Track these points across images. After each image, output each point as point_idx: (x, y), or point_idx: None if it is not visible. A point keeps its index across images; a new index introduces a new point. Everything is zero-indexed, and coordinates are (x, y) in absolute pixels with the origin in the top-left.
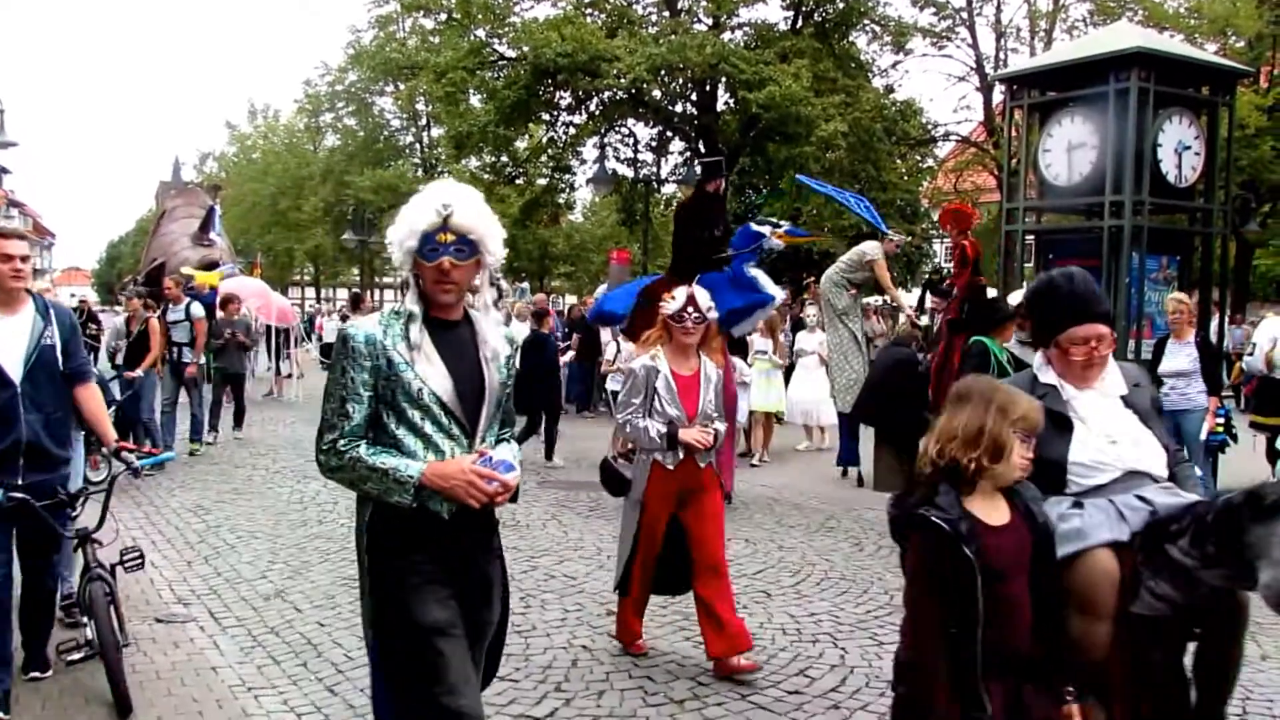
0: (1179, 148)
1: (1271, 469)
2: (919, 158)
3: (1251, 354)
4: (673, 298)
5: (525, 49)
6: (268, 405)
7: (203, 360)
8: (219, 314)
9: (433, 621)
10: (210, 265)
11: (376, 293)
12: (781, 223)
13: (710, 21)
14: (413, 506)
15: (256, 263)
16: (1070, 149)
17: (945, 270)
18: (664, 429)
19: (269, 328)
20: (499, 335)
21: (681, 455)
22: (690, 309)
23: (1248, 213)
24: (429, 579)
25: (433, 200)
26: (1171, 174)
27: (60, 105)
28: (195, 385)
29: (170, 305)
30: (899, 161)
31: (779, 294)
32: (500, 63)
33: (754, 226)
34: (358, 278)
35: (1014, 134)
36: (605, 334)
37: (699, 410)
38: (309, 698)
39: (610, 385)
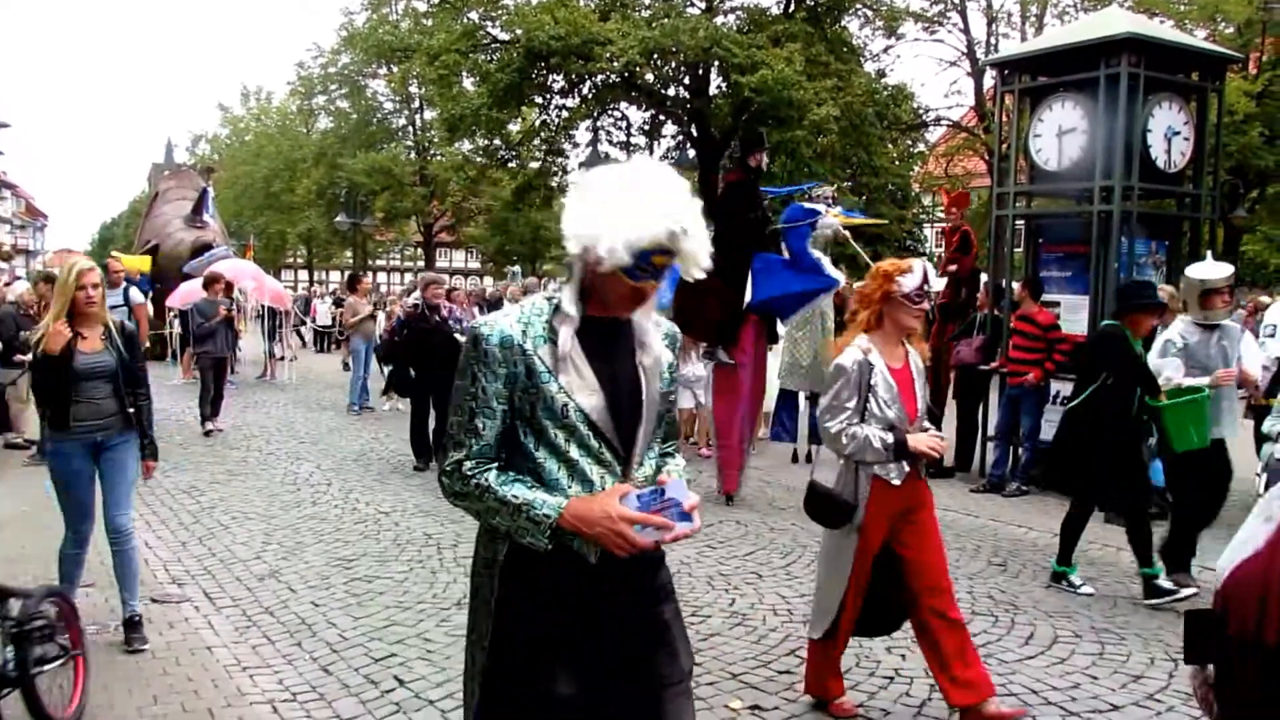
0: (1168, 133)
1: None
2: (910, 142)
3: (1273, 334)
4: (907, 270)
5: (518, 32)
6: (261, 387)
7: (145, 346)
8: (203, 295)
9: (561, 697)
10: (203, 247)
11: (369, 275)
12: (832, 196)
13: (703, 5)
14: (547, 549)
15: (249, 245)
16: (1060, 134)
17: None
18: (889, 437)
19: (264, 310)
20: (659, 337)
21: (907, 467)
22: (926, 285)
23: (1236, 198)
24: (566, 641)
25: (663, 210)
26: (1161, 159)
27: (52, 87)
28: None
29: (108, 289)
30: (890, 146)
31: (841, 278)
32: (493, 45)
33: (806, 205)
34: (350, 260)
35: (1005, 119)
36: None
37: (919, 410)
38: (304, 677)
39: None
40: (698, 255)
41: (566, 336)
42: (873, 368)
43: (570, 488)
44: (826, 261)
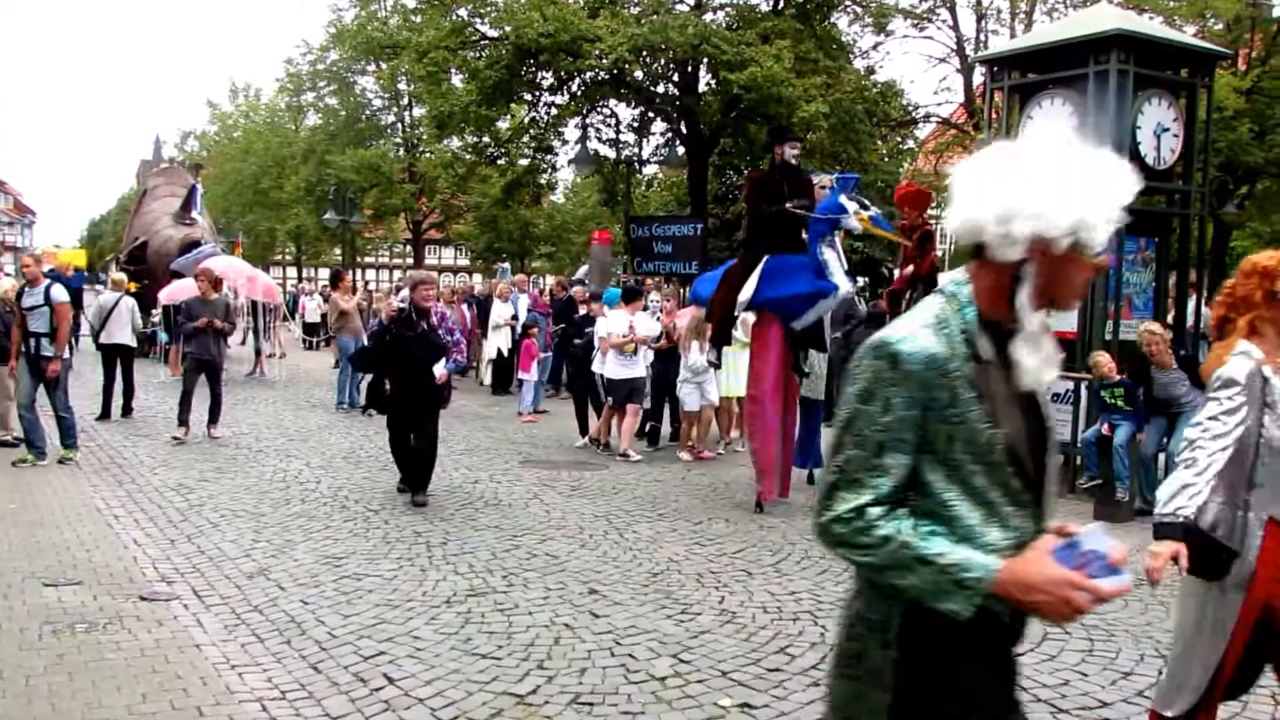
0: (1158, 130)
1: None
2: (900, 139)
3: None
4: None
5: (507, 29)
6: (250, 384)
7: (66, 354)
8: (172, 294)
9: None
10: (192, 244)
11: (358, 273)
12: (874, 209)
13: (692, 2)
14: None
15: (238, 242)
16: None
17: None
18: None
19: (254, 305)
20: (1047, 352)
21: None
22: None
23: (1225, 195)
24: (987, 711)
25: (1122, 168)
26: (1150, 156)
27: (41, 83)
28: (57, 385)
29: (27, 288)
30: (880, 143)
31: (845, 285)
32: (482, 42)
33: (841, 198)
34: (339, 257)
35: (994, 116)
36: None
37: None
38: (293, 675)
39: (596, 367)
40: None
41: (987, 347)
42: (1268, 381)
43: (987, 537)
44: (835, 265)
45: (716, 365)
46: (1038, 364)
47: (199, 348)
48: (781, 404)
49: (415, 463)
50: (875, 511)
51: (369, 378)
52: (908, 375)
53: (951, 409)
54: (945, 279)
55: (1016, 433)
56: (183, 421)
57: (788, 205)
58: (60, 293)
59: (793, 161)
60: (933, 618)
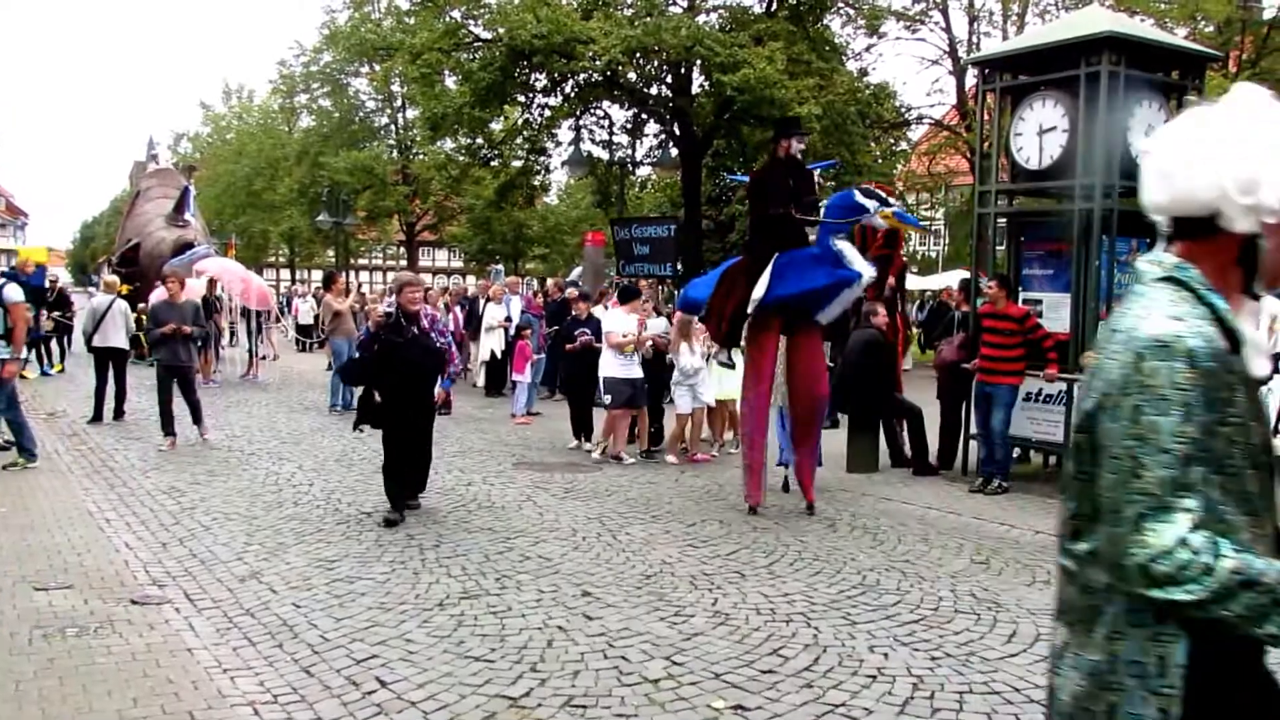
0: (1149, 131)
1: None
2: (893, 141)
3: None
4: None
5: (500, 30)
6: (243, 387)
7: (24, 355)
8: (159, 296)
9: None
10: (185, 246)
11: (352, 274)
12: (893, 201)
13: (685, 4)
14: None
15: (231, 244)
16: (1042, 132)
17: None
18: None
19: (246, 310)
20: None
21: None
22: None
23: None
24: None
25: None
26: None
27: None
28: (2, 387)
29: None
30: (873, 145)
31: (868, 270)
32: (476, 44)
33: (858, 197)
34: (333, 259)
35: (986, 117)
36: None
37: None
38: (285, 679)
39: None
40: None
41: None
42: None
43: (1255, 552)
44: (851, 252)
45: (731, 365)
46: (1259, 348)
47: (168, 354)
48: (767, 406)
49: (411, 466)
50: (1197, 540)
51: (359, 391)
52: (1206, 374)
53: (1232, 408)
54: (1143, 263)
55: (1265, 433)
56: (168, 431)
57: (796, 215)
58: (14, 292)
59: (798, 156)
60: (1219, 650)
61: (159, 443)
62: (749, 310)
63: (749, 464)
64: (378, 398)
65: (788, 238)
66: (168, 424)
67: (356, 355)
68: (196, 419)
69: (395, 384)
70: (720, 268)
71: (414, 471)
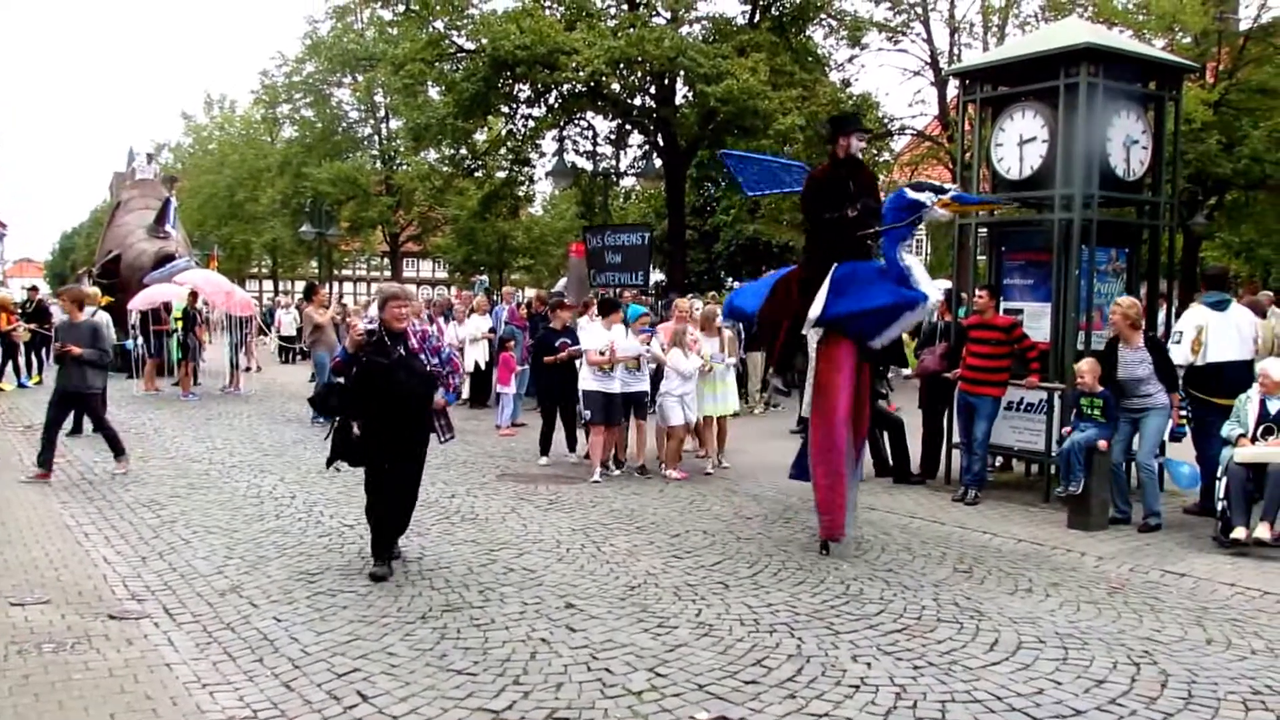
0: (1127, 142)
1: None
2: (875, 151)
3: (1179, 341)
4: None
5: (484, 41)
6: (225, 399)
7: None
8: (56, 316)
9: None
10: (166, 258)
11: (335, 285)
12: (948, 186)
13: (668, 15)
14: None
15: (213, 255)
16: (1021, 143)
17: None
18: None
19: (230, 319)
20: None
21: None
22: None
23: (1195, 206)
24: None
25: None
26: (1120, 168)
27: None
28: None
29: None
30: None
31: (935, 293)
32: (459, 55)
33: (910, 193)
34: (316, 270)
35: (967, 128)
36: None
37: None
38: (265, 694)
39: (583, 385)
40: None
41: None
42: None
43: None
44: (919, 270)
45: (785, 391)
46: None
47: (63, 378)
48: (854, 437)
49: (396, 509)
50: None
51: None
52: None
53: None
54: None
55: None
56: (42, 463)
57: (853, 217)
58: None
59: (859, 155)
60: None
61: (117, 470)
62: (804, 330)
63: (830, 500)
64: (356, 430)
65: (847, 247)
66: (46, 453)
67: (328, 381)
68: (113, 447)
69: (378, 414)
70: (771, 276)
71: (397, 515)
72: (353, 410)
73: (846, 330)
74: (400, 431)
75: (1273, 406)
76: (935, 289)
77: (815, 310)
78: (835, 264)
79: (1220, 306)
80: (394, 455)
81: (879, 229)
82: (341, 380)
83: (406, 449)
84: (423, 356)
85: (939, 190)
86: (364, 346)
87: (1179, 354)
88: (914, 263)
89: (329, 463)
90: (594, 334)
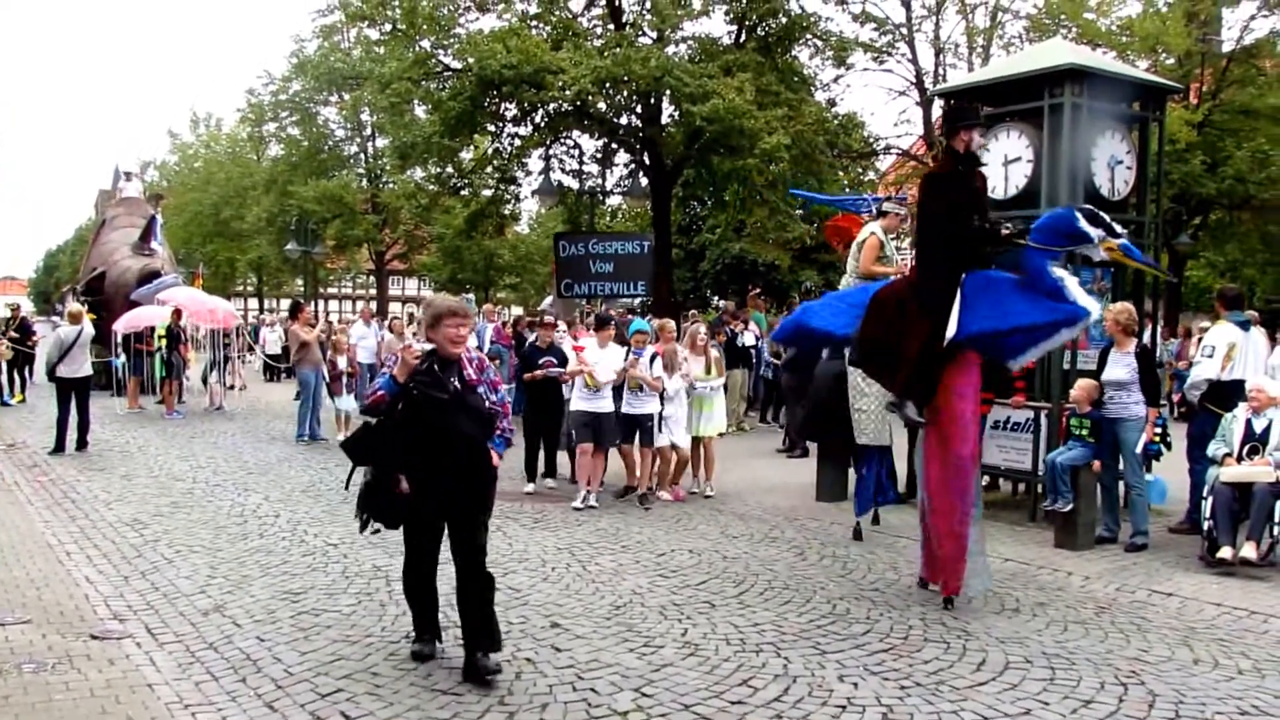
0: (1111, 162)
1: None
2: (861, 170)
3: (1210, 355)
4: None
5: (470, 60)
6: (209, 417)
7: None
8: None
9: None
10: (151, 275)
11: (320, 304)
12: (1120, 229)
13: (655, 35)
14: None
15: (198, 273)
16: (1007, 163)
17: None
18: None
19: (213, 335)
20: None
21: None
22: None
23: (1179, 225)
24: None
25: None
26: (1105, 187)
27: None
28: None
29: None
30: (841, 174)
31: (1096, 307)
32: (445, 74)
33: (1081, 222)
34: (301, 287)
35: None
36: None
37: None
38: (248, 714)
39: (578, 404)
40: None
41: None
42: None
43: None
44: (1073, 284)
45: (921, 422)
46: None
47: None
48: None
49: (463, 601)
50: None
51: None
52: None
53: None
54: None
55: None
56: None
57: (1002, 229)
58: None
59: (980, 154)
60: None
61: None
62: (941, 347)
63: (951, 544)
64: (405, 486)
65: (973, 256)
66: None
67: (365, 422)
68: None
69: (426, 464)
70: (858, 291)
71: (472, 605)
72: (399, 459)
73: (986, 350)
74: (454, 488)
75: (1258, 425)
76: (1095, 304)
77: (951, 330)
78: (964, 275)
79: (1245, 327)
80: (449, 520)
81: (1025, 244)
82: (376, 420)
83: (463, 512)
84: (481, 390)
85: (1111, 231)
86: (417, 374)
87: (1210, 368)
88: (1065, 276)
89: (362, 526)
90: (591, 349)
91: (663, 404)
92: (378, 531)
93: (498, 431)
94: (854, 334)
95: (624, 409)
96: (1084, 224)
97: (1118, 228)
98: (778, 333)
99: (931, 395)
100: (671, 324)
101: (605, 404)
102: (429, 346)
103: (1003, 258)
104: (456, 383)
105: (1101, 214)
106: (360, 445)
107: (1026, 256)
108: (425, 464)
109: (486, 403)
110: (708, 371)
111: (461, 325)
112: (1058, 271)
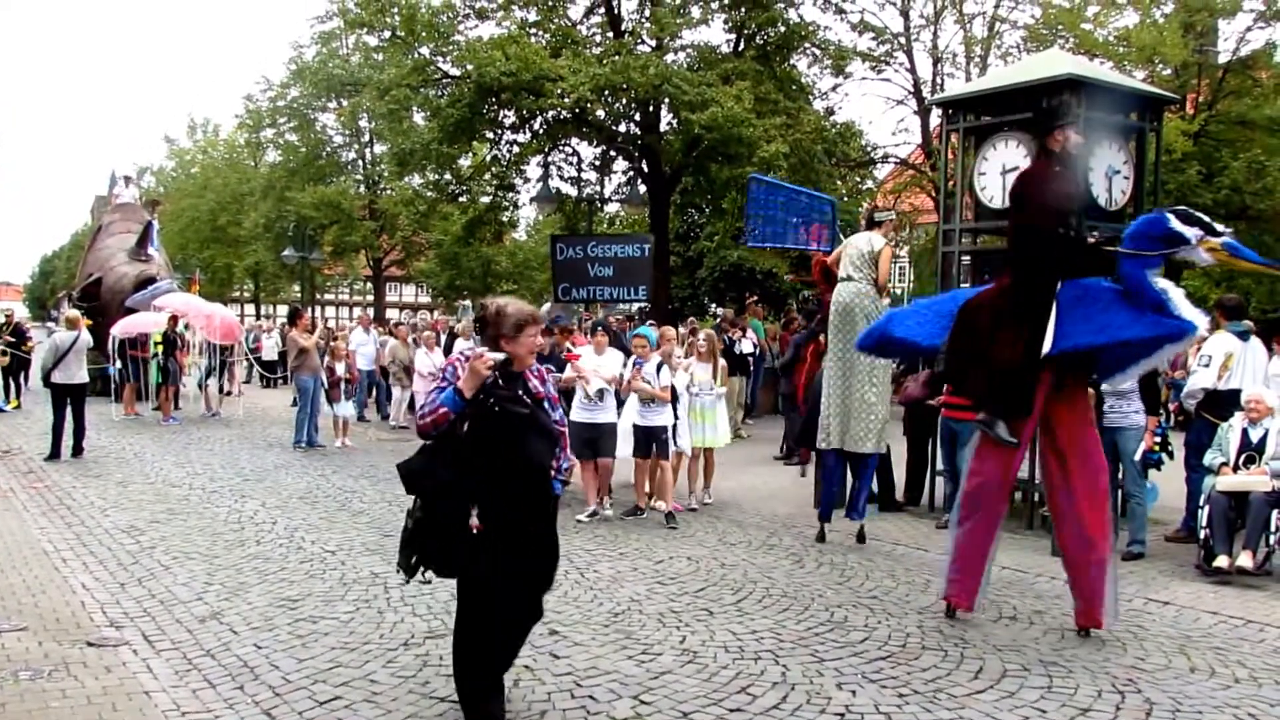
0: (1109, 172)
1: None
2: (859, 179)
3: (1207, 365)
4: None
5: (469, 67)
6: (206, 424)
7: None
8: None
9: None
10: (147, 281)
11: (318, 310)
12: (1221, 227)
13: (653, 43)
14: None
15: (195, 279)
16: (1004, 172)
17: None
18: None
19: (210, 345)
20: None
21: None
22: None
23: None
24: None
25: None
26: (1102, 197)
27: None
28: None
29: None
30: (839, 183)
31: (1202, 320)
32: (444, 81)
33: (1174, 223)
34: (298, 294)
35: (950, 157)
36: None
37: None
38: None
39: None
40: None
41: None
42: None
43: None
44: (1177, 295)
45: (1013, 443)
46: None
47: None
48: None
49: (507, 633)
50: None
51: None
52: None
53: None
54: None
55: None
56: None
57: (1089, 238)
58: None
59: (1074, 154)
60: None
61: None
62: (1040, 358)
63: (971, 556)
64: (475, 522)
65: (1068, 265)
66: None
67: (423, 445)
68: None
69: (492, 492)
70: (945, 299)
71: (515, 640)
72: (467, 491)
73: (1079, 366)
74: (532, 519)
75: (1255, 434)
76: (1201, 316)
77: (1048, 343)
78: (1060, 285)
79: (1245, 337)
80: (517, 556)
81: (1120, 251)
82: (432, 443)
83: (534, 542)
84: (546, 406)
85: (1210, 230)
86: (490, 389)
87: (1206, 377)
88: (1169, 287)
89: (410, 573)
90: (588, 356)
91: (675, 411)
92: (428, 581)
93: (554, 466)
94: (942, 345)
95: (637, 421)
96: (1177, 224)
97: (1218, 226)
98: (861, 341)
99: (1025, 413)
100: (671, 331)
101: (606, 415)
102: (500, 356)
103: (1122, 267)
104: (525, 397)
105: (1197, 213)
106: (424, 473)
107: (1124, 266)
108: (494, 495)
109: (554, 422)
110: (715, 379)
111: (540, 334)
112: (1161, 282)
